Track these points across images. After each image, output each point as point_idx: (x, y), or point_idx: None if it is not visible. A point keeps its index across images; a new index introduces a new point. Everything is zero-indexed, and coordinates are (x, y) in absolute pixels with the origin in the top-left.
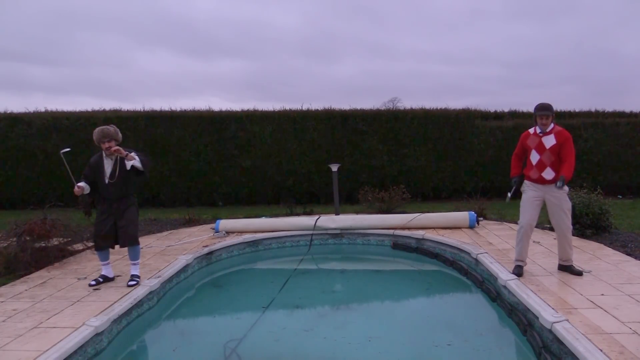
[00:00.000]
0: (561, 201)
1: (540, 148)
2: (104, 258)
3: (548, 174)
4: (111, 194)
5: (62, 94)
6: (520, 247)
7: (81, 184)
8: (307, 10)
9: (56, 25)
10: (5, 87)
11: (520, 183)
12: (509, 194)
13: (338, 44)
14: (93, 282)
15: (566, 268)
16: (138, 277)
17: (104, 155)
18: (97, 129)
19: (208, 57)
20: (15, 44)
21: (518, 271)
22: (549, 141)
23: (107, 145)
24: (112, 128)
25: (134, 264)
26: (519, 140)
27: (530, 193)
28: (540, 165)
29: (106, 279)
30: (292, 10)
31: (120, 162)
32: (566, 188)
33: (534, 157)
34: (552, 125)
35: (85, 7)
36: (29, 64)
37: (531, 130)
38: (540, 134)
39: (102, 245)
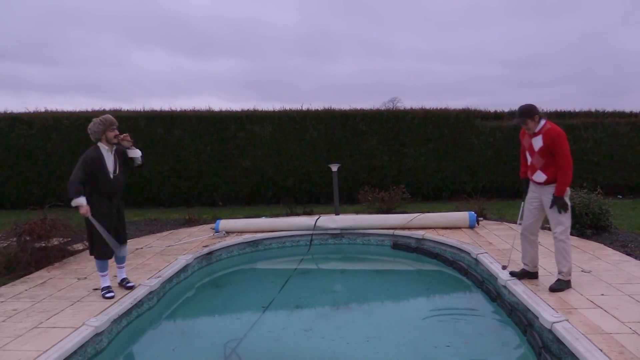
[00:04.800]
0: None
1: (531, 150)
2: (106, 267)
3: (539, 176)
4: (116, 190)
5: (58, 93)
6: (521, 248)
7: (80, 199)
8: (304, 8)
9: (50, 24)
10: (0, 86)
11: (527, 185)
12: (523, 203)
13: (336, 43)
14: (111, 295)
15: (556, 284)
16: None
17: (101, 149)
18: (101, 118)
19: (205, 56)
20: (9, 43)
21: (517, 272)
22: (537, 143)
23: (115, 133)
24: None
25: (121, 267)
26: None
27: (529, 194)
28: (532, 168)
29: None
30: (289, 8)
31: (118, 153)
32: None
33: (528, 158)
34: (541, 124)
35: (79, 6)
36: (24, 63)
37: None
38: (532, 134)
39: (112, 252)
